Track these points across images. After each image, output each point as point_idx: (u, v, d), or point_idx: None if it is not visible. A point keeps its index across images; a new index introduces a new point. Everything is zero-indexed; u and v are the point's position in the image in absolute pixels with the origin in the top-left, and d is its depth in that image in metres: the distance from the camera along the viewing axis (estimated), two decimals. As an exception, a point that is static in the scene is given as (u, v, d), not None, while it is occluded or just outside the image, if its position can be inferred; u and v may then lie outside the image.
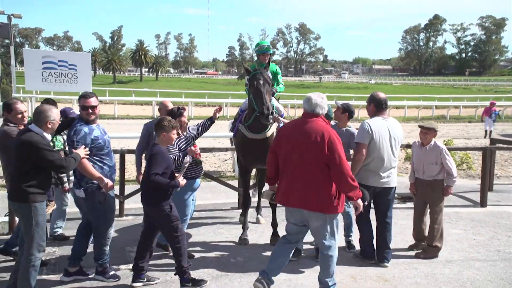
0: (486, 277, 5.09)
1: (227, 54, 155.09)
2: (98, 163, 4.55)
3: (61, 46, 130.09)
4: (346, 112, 5.51)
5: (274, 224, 6.06)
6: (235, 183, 8.15)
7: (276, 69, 6.60)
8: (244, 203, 6.21)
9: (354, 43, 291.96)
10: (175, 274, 4.58)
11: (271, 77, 6.16)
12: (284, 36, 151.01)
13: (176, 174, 4.58)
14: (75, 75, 12.81)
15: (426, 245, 5.69)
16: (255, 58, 6.78)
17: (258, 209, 6.98)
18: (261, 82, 5.43)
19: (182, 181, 4.53)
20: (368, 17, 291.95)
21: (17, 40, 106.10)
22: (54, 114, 4.18)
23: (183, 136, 5.26)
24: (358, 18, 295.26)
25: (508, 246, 6.12)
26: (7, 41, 26.29)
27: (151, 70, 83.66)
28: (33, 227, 4.05)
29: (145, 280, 4.60)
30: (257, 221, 6.83)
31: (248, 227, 6.17)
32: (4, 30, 23.84)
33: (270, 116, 5.25)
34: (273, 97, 6.23)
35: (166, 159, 4.48)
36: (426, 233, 5.81)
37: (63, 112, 5.30)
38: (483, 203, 8.09)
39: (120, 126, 18.94)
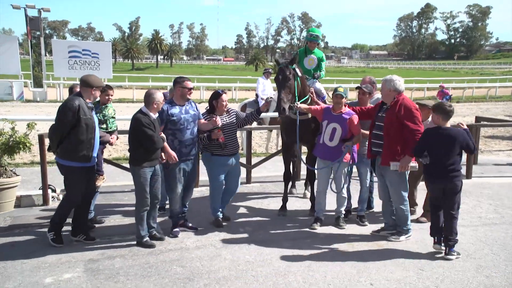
0: (469, 240, 5.14)
1: (235, 42, 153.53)
2: (170, 135, 4.97)
3: (85, 37, 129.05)
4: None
5: (313, 198, 5.93)
6: (243, 160, 8.10)
7: (322, 56, 6.55)
8: (285, 178, 6.09)
9: (353, 30, 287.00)
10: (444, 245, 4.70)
11: (316, 63, 6.35)
12: (288, 24, 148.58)
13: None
14: (97, 62, 12.79)
15: (425, 211, 5.72)
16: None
17: (306, 185, 6.88)
18: (279, 78, 5.26)
19: None
20: (366, 6, 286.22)
21: (47, 32, 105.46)
22: (158, 97, 4.63)
23: (224, 115, 5.34)
24: (356, 7, 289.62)
25: (488, 213, 6.14)
26: (38, 33, 26.25)
27: (166, 57, 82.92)
28: (136, 186, 4.70)
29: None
30: (304, 196, 6.78)
31: (287, 200, 6.10)
32: (35, 23, 23.89)
33: (286, 113, 5.15)
34: (317, 80, 6.32)
35: None
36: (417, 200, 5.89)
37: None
38: (468, 175, 8.07)
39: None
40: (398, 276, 4.22)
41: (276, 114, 6.02)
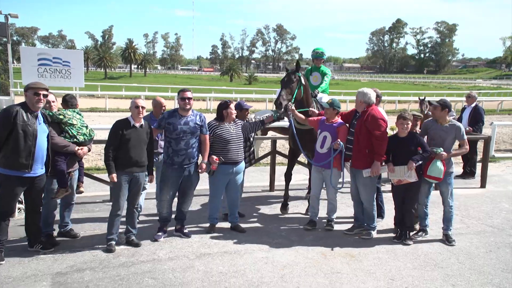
0: (437, 250, 5.31)
1: (210, 52, 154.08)
2: (166, 143, 5.21)
3: (56, 44, 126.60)
4: (446, 108, 5.40)
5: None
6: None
7: (326, 71, 7.05)
8: (286, 178, 6.58)
9: (327, 43, 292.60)
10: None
11: (320, 79, 6.86)
12: (263, 36, 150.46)
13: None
14: (68, 71, 12.55)
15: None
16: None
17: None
18: (284, 80, 5.74)
19: None
20: (340, 20, 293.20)
21: (14, 38, 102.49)
22: (133, 102, 5.04)
23: (232, 124, 5.54)
24: (330, 21, 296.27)
25: (455, 223, 6.31)
26: (4, 39, 25.45)
27: (139, 66, 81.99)
28: (111, 190, 5.17)
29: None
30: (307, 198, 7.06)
31: (288, 197, 6.57)
32: (1, 29, 23.19)
33: (282, 107, 5.57)
34: (322, 97, 6.67)
35: None
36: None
37: (239, 105, 5.87)
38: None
39: (111, 119, 18.46)
40: (369, 286, 4.31)
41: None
